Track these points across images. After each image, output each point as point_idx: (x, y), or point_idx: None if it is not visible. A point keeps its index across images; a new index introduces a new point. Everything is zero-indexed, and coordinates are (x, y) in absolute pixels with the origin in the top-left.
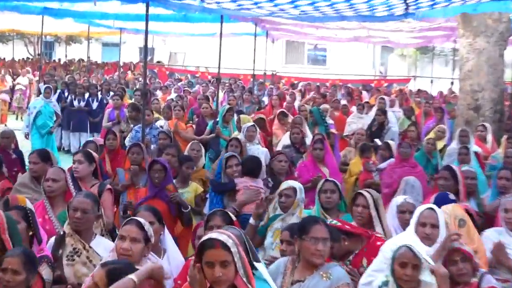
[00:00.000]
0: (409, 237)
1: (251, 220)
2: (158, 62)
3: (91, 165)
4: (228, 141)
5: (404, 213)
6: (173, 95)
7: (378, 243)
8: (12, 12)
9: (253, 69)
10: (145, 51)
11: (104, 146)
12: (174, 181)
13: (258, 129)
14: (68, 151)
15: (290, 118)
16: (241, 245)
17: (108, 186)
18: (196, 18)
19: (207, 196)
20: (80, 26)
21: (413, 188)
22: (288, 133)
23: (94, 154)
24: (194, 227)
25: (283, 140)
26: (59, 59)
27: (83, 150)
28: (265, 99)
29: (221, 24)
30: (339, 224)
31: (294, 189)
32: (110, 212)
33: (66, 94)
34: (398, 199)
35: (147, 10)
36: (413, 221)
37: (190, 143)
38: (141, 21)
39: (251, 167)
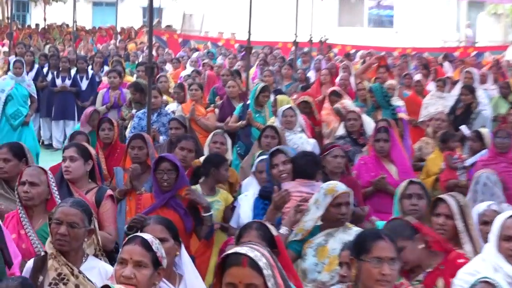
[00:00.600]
0: (489, 257)
1: (283, 229)
2: (168, 27)
3: (87, 163)
4: (261, 130)
5: (487, 224)
6: (188, 70)
7: (460, 260)
8: None
9: (295, 35)
10: (150, 12)
11: (98, 138)
12: (198, 187)
13: (298, 113)
14: (49, 146)
15: (347, 99)
16: (276, 268)
17: (110, 191)
18: None
19: (235, 204)
20: None
21: (486, 188)
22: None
23: (91, 149)
24: (221, 246)
25: (339, 129)
26: (36, 24)
27: (77, 143)
28: (312, 75)
29: None
30: (415, 221)
31: (350, 195)
32: (112, 226)
33: (45, 70)
34: (480, 206)
35: None
36: (493, 234)
37: (212, 133)
38: None
39: (304, 165)
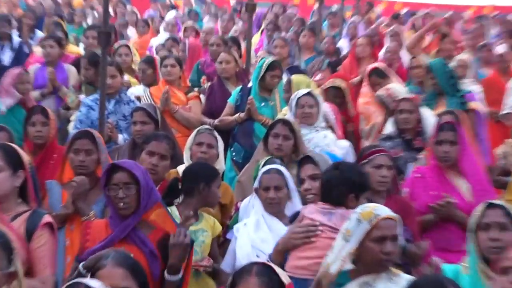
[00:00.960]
0: None
1: None
2: None
3: (17, 175)
4: (268, 127)
5: None
6: (161, 37)
7: None
8: None
9: None
10: None
11: (25, 137)
12: (174, 210)
13: (321, 101)
14: None
15: (395, 82)
16: None
17: (48, 218)
18: None
19: (228, 237)
20: None
21: None
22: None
23: (24, 154)
24: None
25: (385, 125)
26: None
27: (1, 145)
28: (344, 44)
29: None
30: None
31: (398, 224)
32: (48, 270)
33: None
34: None
35: None
36: None
37: (195, 131)
38: None
39: (329, 182)
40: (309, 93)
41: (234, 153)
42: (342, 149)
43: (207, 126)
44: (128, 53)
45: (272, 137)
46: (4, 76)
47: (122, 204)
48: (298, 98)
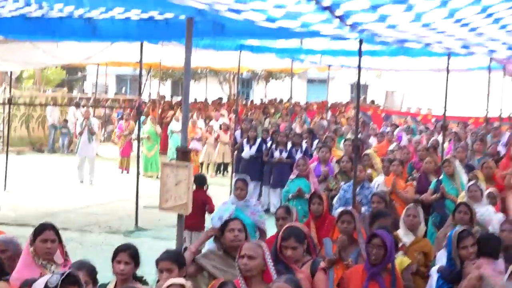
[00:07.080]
0: None
1: None
2: (372, 102)
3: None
4: (456, 206)
5: None
6: (392, 145)
7: None
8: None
9: (487, 111)
10: (358, 89)
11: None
12: None
13: (483, 189)
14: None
15: None
16: None
17: (322, 264)
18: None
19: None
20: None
21: None
22: None
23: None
24: None
25: None
26: (261, 100)
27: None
28: (502, 149)
29: (448, 59)
30: None
31: None
32: None
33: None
34: None
35: (360, 48)
36: None
37: (407, 207)
38: (353, 56)
39: (490, 245)
40: (475, 183)
41: (433, 218)
42: (497, 218)
43: (414, 204)
44: (369, 159)
45: (458, 213)
46: None
47: (373, 257)
48: (469, 186)
